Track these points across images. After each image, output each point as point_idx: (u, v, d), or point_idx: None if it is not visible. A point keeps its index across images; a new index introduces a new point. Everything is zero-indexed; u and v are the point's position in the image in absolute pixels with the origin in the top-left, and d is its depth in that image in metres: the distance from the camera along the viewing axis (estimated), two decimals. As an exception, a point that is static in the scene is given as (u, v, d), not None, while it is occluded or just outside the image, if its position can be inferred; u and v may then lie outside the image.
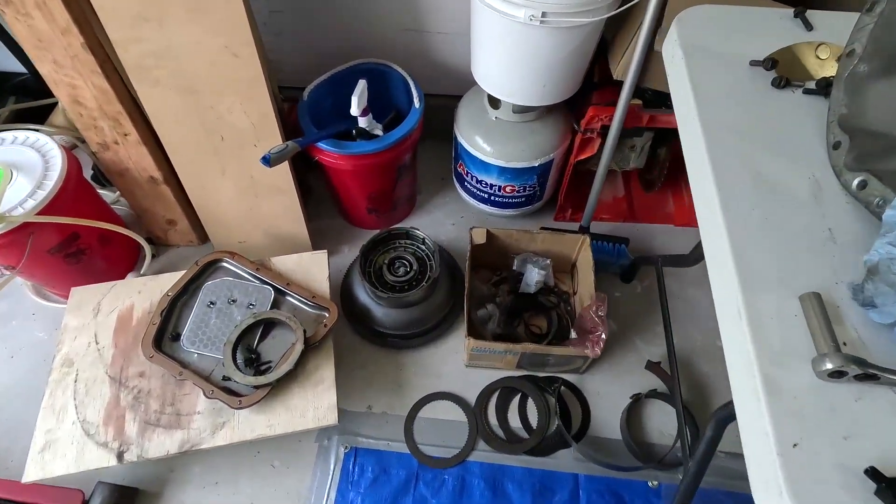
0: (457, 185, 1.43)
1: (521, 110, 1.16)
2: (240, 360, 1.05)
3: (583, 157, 1.21)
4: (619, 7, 0.89)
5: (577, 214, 1.44)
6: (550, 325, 1.25)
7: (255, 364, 1.06)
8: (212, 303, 1.12)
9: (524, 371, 1.21)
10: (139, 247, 1.34)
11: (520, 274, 1.27)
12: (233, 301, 1.12)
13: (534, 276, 1.24)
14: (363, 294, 1.21)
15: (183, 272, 1.15)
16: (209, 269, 1.17)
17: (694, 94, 0.63)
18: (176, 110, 1.03)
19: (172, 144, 1.12)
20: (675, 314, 1.29)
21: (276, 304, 1.13)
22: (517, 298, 1.27)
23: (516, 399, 1.19)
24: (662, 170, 1.34)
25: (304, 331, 1.06)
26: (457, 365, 1.23)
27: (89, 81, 1.00)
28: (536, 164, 1.20)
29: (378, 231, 1.21)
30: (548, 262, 1.24)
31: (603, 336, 0.99)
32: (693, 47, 0.68)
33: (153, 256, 1.39)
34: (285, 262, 1.20)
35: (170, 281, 1.15)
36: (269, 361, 1.06)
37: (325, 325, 1.09)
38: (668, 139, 1.32)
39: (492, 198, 1.32)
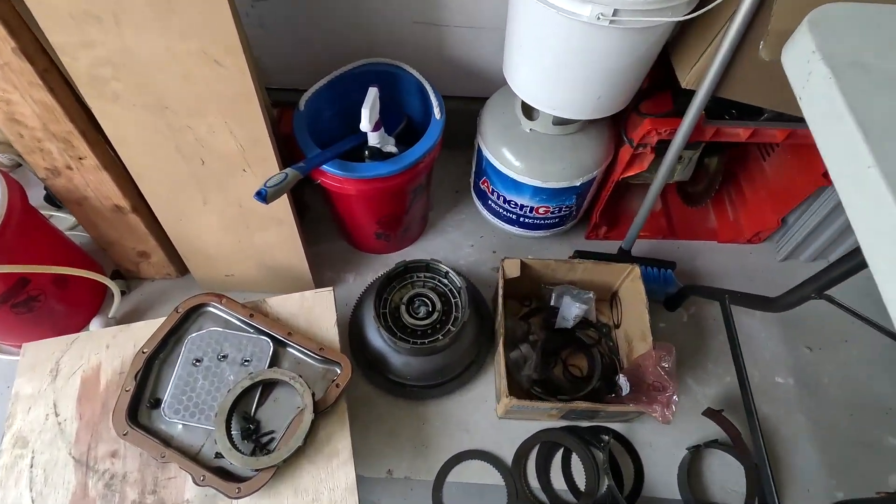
0: (476, 202, 1.25)
1: (562, 122, 0.98)
2: (235, 433, 0.86)
3: (630, 173, 1.04)
4: (704, 6, 0.72)
5: (612, 232, 1.28)
6: (593, 365, 1.10)
7: (254, 436, 0.88)
8: (198, 360, 0.93)
9: (566, 421, 1.06)
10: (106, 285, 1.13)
11: (554, 307, 1.11)
12: (223, 357, 0.94)
13: (573, 311, 1.08)
14: (377, 339, 1.03)
15: (160, 321, 0.95)
16: (192, 316, 0.98)
17: (863, 134, 0.46)
18: (143, 131, 0.83)
19: (140, 170, 0.91)
20: (723, 346, 1.15)
21: (275, 359, 0.95)
22: (552, 335, 1.11)
23: (559, 455, 1.04)
24: (713, 183, 1.18)
25: (313, 394, 0.88)
26: (488, 416, 1.07)
27: (27, 95, 0.79)
28: (578, 184, 1.03)
29: (394, 266, 1.03)
30: (590, 295, 1.08)
31: (675, 398, 0.84)
32: (844, 62, 0.51)
33: (123, 294, 1.18)
34: (284, 305, 1.01)
35: (144, 332, 0.95)
36: (272, 432, 0.88)
37: (338, 385, 0.91)
38: (720, 149, 1.16)
39: (521, 219, 1.15)
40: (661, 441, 1.05)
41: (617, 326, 1.14)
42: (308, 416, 0.86)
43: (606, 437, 1.01)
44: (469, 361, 1.07)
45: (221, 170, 0.89)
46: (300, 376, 0.89)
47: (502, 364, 0.96)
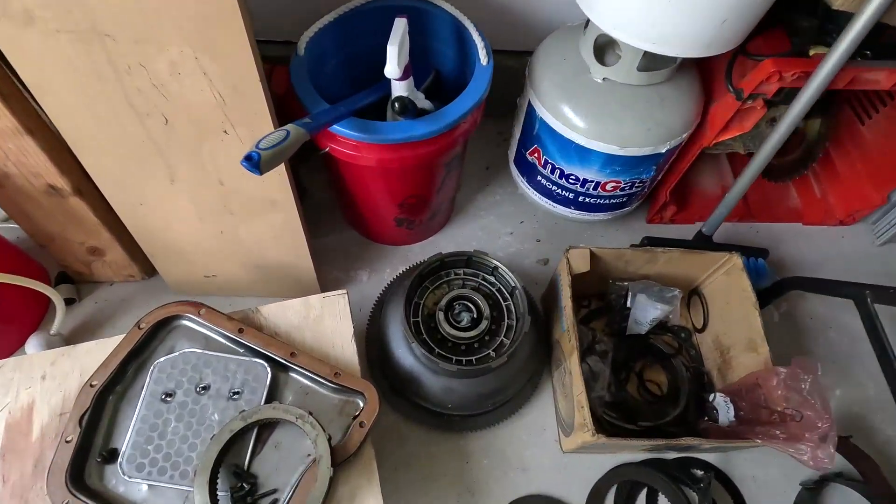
0: (518, 180, 1.01)
1: (648, 66, 0.74)
2: (223, 494, 0.63)
3: (728, 136, 0.81)
4: None
5: (680, 215, 1.06)
6: (675, 381, 0.88)
7: (249, 498, 0.64)
8: (168, 394, 0.68)
9: (648, 453, 0.84)
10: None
11: (624, 307, 0.88)
12: (203, 389, 0.69)
13: (649, 313, 0.86)
14: (407, 357, 0.79)
15: (116, 340, 0.71)
16: (161, 333, 0.73)
17: None
18: (73, 72, 0.57)
19: (77, 134, 0.65)
20: (828, 351, 0.94)
21: (275, 389, 0.71)
22: (620, 342, 0.89)
23: (642, 497, 0.82)
24: (812, 153, 0.96)
25: (329, 437, 0.64)
26: (548, 449, 0.84)
27: None
28: (663, 151, 0.80)
29: (428, 260, 0.79)
30: (676, 293, 0.85)
31: (833, 435, 0.61)
32: None
33: (71, 303, 0.92)
34: (284, 315, 0.76)
35: (95, 356, 0.71)
36: (273, 491, 0.65)
37: (362, 425, 0.67)
38: (823, 109, 0.94)
39: (579, 199, 0.91)
40: (768, 475, 0.83)
41: (699, 330, 0.92)
42: (325, 471, 0.62)
43: (704, 474, 0.79)
44: (524, 381, 0.84)
45: (192, 132, 0.64)
46: (310, 413, 0.66)
47: (575, 385, 0.73)
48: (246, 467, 0.65)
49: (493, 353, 0.75)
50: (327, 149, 0.72)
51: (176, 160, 0.68)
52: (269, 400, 0.69)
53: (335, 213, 1.04)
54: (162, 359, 0.70)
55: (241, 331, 0.72)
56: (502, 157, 1.13)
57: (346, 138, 0.69)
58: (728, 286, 0.83)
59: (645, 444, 0.69)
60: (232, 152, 0.66)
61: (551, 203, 0.95)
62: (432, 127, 0.69)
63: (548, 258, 1.02)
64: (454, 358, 0.74)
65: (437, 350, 0.74)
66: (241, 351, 0.72)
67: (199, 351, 0.71)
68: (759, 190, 1.10)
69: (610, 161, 0.81)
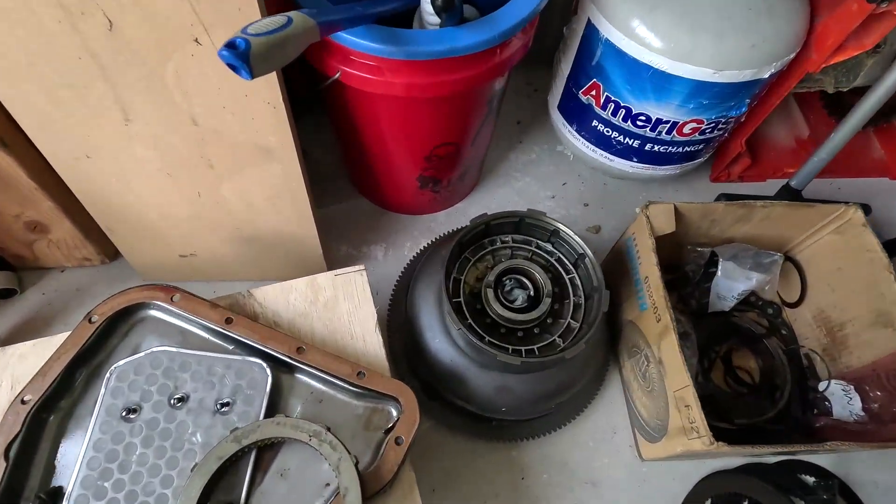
0: (562, 128, 0.83)
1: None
2: (212, 549, 0.45)
3: (844, 56, 0.64)
4: None
5: (752, 170, 0.89)
6: (771, 368, 0.71)
7: (247, 549, 0.47)
8: (131, 410, 0.51)
9: (743, 457, 0.68)
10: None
11: (705, 278, 0.72)
12: (180, 400, 0.51)
13: (739, 284, 0.69)
14: (446, 348, 0.61)
15: (61, 338, 0.53)
16: (120, 328, 0.55)
17: None
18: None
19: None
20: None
21: (277, 397, 0.53)
22: (700, 322, 0.72)
23: (742, 514, 0.66)
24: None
25: (356, 461, 0.47)
26: (621, 456, 0.68)
27: None
28: (766, 75, 0.62)
29: (470, 225, 0.61)
30: (776, 258, 0.69)
31: None
32: None
33: (10, 294, 0.73)
34: (287, 297, 0.59)
35: (30, 361, 0.53)
36: (281, 537, 0.47)
37: (400, 441, 0.50)
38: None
39: (646, 146, 0.74)
40: (893, 478, 0.68)
41: (790, 305, 0.76)
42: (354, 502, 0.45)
43: (824, 482, 0.63)
44: (592, 375, 0.67)
45: (150, 42, 0.45)
46: (328, 430, 0.48)
47: (671, 378, 0.56)
48: (246, 501, 0.47)
49: (559, 340, 0.58)
50: (338, 74, 0.54)
51: (128, 87, 0.49)
52: (270, 412, 0.51)
53: (341, 178, 0.86)
54: (122, 362, 0.52)
55: (229, 321, 0.54)
56: (535, 111, 0.95)
57: (365, 54, 0.51)
58: (840, 247, 0.67)
59: (776, 449, 0.53)
60: (207, 72, 0.47)
61: (607, 155, 0.78)
62: (482, 36, 0.50)
63: (599, 225, 0.85)
64: (511, 348, 0.57)
65: (487, 338, 0.57)
66: (231, 348, 0.54)
67: (174, 350, 0.52)
68: (837, 140, 0.94)
69: (697, 92, 0.63)
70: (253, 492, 0.48)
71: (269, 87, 0.50)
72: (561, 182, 0.89)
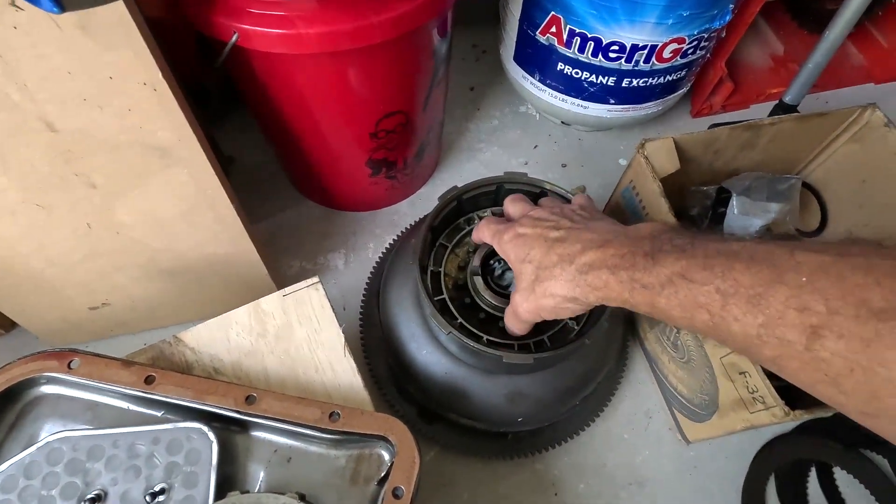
0: (523, 82, 0.72)
1: None
2: None
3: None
4: None
5: (735, 97, 0.81)
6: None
7: None
8: (28, 528, 0.37)
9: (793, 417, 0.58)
10: None
11: (715, 217, 0.62)
12: (94, 502, 0.38)
13: (757, 219, 0.59)
14: (437, 360, 0.49)
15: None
16: (5, 416, 0.41)
17: None
18: None
19: None
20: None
21: (229, 463, 0.40)
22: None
23: (812, 478, 0.56)
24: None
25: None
26: (662, 444, 0.57)
27: None
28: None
29: (438, 203, 0.49)
30: (794, 181, 0.60)
31: None
32: None
33: None
34: (225, 335, 0.46)
35: None
36: None
37: (399, 494, 0.38)
38: None
39: (623, 81, 0.63)
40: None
41: (810, 234, 0.67)
42: None
43: None
44: (615, 358, 0.56)
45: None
46: (302, 498, 0.36)
47: (713, 345, 0.46)
48: None
49: (572, 323, 0.47)
50: (234, 37, 0.41)
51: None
52: (221, 491, 0.38)
53: (281, 182, 0.73)
54: (10, 463, 0.38)
55: (150, 380, 0.41)
56: (488, 73, 0.85)
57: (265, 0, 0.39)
58: (861, 157, 0.58)
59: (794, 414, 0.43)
60: (46, 51, 0.34)
61: (580, 102, 0.67)
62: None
63: (583, 185, 0.74)
64: (516, 344, 0.45)
65: (486, 337, 0.45)
66: (159, 415, 0.41)
67: (78, 434, 0.39)
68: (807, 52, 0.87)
69: (675, 4, 0.53)
70: None
71: (140, 61, 0.37)
72: (531, 145, 0.78)
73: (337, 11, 0.40)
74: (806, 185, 0.66)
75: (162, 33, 0.48)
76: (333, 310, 0.46)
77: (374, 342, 0.58)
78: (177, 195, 0.47)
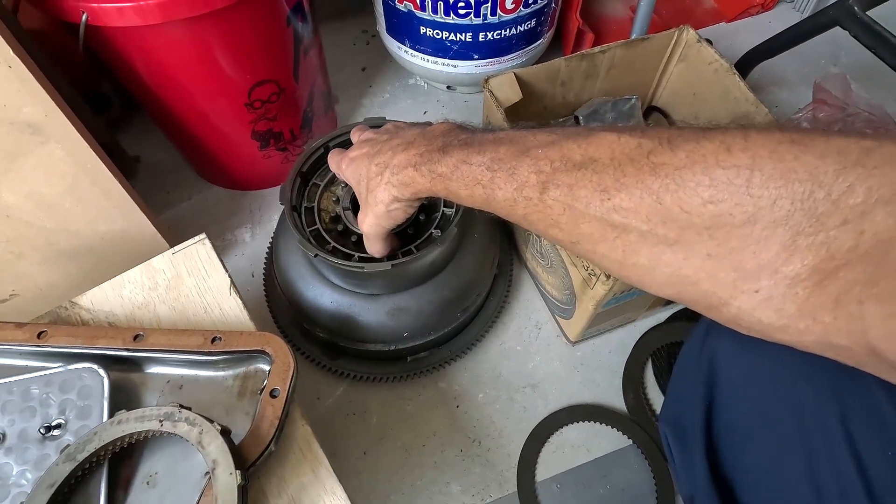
0: (399, 52, 0.78)
1: None
2: None
3: None
4: None
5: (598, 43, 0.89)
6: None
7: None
8: (-70, 474, 0.40)
9: (666, 306, 0.65)
10: None
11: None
12: (-6, 443, 0.41)
13: (611, 142, 0.67)
14: (323, 292, 0.54)
15: None
16: None
17: None
18: None
19: None
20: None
21: (122, 396, 0.44)
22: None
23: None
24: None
25: (225, 430, 0.39)
26: (551, 349, 0.63)
27: None
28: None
29: (305, 152, 0.55)
30: (633, 100, 0.67)
31: None
32: None
33: None
34: (119, 293, 0.50)
35: None
36: (160, 551, 0.39)
37: (275, 393, 0.42)
38: None
39: (480, 35, 0.70)
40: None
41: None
42: (227, 481, 0.37)
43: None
44: (491, 272, 0.62)
45: None
46: (182, 407, 0.40)
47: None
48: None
49: (436, 232, 0.53)
50: (84, 16, 0.46)
51: None
52: (114, 415, 0.42)
53: (183, 172, 0.77)
54: None
55: (41, 335, 0.44)
56: (377, 54, 0.91)
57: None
58: (689, 73, 0.66)
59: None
60: None
61: (448, 62, 0.74)
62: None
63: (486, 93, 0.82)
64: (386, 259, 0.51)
65: (356, 255, 0.50)
66: (54, 363, 0.45)
67: (-28, 388, 0.42)
68: (667, 2, 0.96)
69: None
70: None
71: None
72: (421, 111, 0.85)
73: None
74: (656, 109, 0.74)
75: (49, 44, 0.53)
76: (243, 278, 0.50)
77: (275, 296, 0.62)
78: (57, 172, 0.51)
